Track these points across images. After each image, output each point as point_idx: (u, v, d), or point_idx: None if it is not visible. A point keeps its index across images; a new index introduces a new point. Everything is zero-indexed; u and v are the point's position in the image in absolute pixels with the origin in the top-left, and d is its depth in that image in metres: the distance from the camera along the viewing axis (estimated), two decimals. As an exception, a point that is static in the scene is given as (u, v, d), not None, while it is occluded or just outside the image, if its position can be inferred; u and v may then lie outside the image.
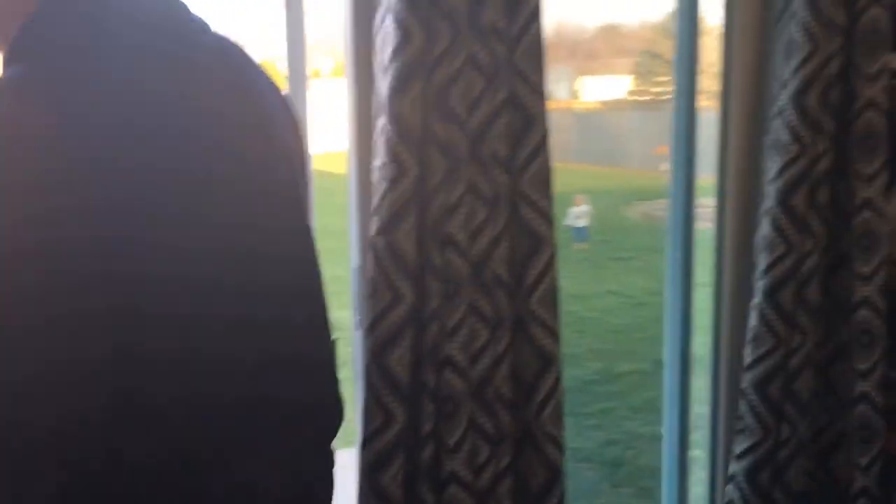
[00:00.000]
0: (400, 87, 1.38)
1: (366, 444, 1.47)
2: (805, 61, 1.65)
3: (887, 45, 1.67)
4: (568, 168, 11.28)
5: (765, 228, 1.71)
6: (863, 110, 1.67)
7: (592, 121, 17.26)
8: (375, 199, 1.44)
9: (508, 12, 1.43)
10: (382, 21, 1.42)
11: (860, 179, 1.69)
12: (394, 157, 1.39)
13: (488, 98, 1.44)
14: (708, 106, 1.90)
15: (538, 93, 1.46)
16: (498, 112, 1.44)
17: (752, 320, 1.74)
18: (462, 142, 1.42)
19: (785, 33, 1.69)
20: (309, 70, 1.60)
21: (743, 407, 1.77)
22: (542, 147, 1.48)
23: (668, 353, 2.00)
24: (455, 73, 1.40)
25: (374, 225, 1.44)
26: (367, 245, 1.48)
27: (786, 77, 1.68)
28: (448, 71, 1.39)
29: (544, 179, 1.49)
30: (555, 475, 1.56)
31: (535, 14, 1.44)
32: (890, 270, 1.74)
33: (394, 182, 1.40)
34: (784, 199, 1.68)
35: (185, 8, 0.92)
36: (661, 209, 9.63)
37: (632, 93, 17.45)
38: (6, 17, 0.85)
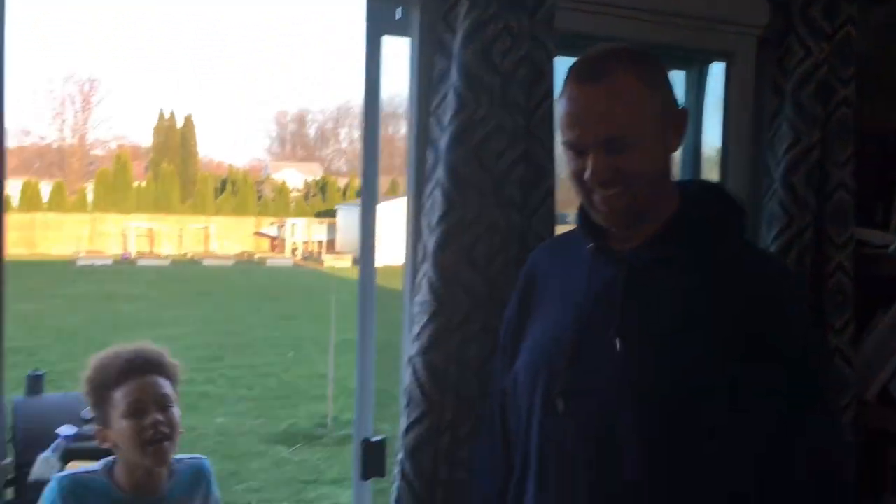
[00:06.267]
0: (443, 245, 1.62)
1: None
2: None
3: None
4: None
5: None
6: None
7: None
8: (417, 328, 1.64)
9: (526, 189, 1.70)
10: (431, 191, 1.66)
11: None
12: (434, 296, 1.62)
13: (503, 256, 1.67)
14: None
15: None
16: (508, 264, 1.68)
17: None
18: (482, 287, 1.65)
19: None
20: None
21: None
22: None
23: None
24: (478, 236, 1.65)
25: (413, 348, 1.65)
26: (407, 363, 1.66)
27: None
28: (476, 232, 1.64)
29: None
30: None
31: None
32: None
33: (433, 316, 1.62)
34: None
35: None
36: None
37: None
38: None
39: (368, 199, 1.81)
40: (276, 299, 17.10)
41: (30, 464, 3.59)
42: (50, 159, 38.45)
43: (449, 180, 1.61)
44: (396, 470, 1.66)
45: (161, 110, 41.19)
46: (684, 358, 1.21)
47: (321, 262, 26.00)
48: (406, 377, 1.67)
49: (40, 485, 3.52)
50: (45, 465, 3.52)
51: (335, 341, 8.56)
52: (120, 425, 1.66)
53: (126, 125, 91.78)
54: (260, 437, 7.46)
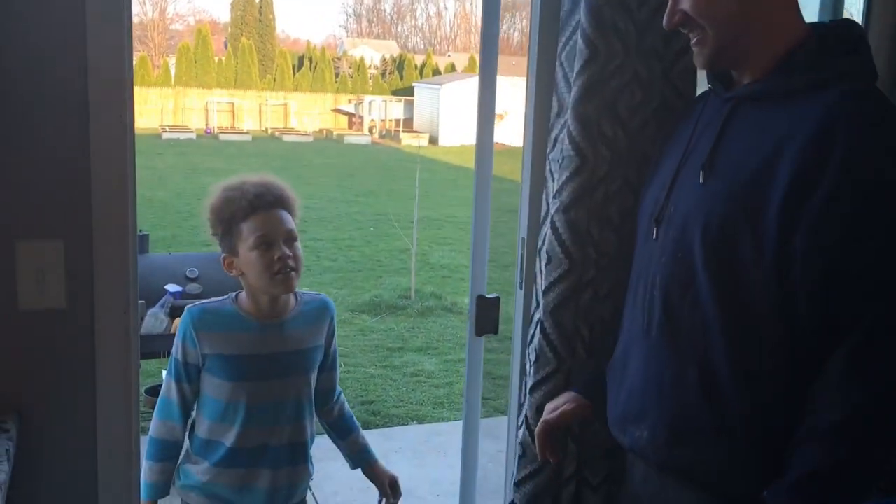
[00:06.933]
0: (584, 96, 1.53)
1: (539, 384, 1.63)
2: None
3: None
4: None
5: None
6: None
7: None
8: (556, 184, 1.59)
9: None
10: (569, 38, 1.57)
11: None
12: (576, 150, 1.55)
13: (643, 110, 1.59)
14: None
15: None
16: (648, 119, 1.59)
17: None
18: (624, 141, 1.57)
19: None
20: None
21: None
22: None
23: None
24: (620, 88, 1.55)
25: (554, 205, 1.59)
26: (543, 221, 1.64)
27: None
28: (618, 83, 1.55)
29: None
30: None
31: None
32: None
33: (576, 171, 1.56)
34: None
35: None
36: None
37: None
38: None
39: (488, 71, 1.74)
40: (354, 175, 17.27)
41: (140, 319, 3.78)
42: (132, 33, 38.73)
43: (591, 24, 1.51)
44: (535, 329, 1.64)
45: (238, -17, 40.62)
46: (744, 206, 1.19)
47: (399, 141, 25.99)
48: (545, 236, 1.64)
49: (150, 338, 3.71)
50: (154, 319, 3.70)
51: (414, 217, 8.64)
52: (248, 257, 1.70)
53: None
54: (345, 306, 7.69)
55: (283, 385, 1.75)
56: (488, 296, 1.80)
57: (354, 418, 1.96)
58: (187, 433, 1.80)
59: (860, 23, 2.01)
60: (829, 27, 1.29)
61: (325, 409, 1.89)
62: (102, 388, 1.48)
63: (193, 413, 1.80)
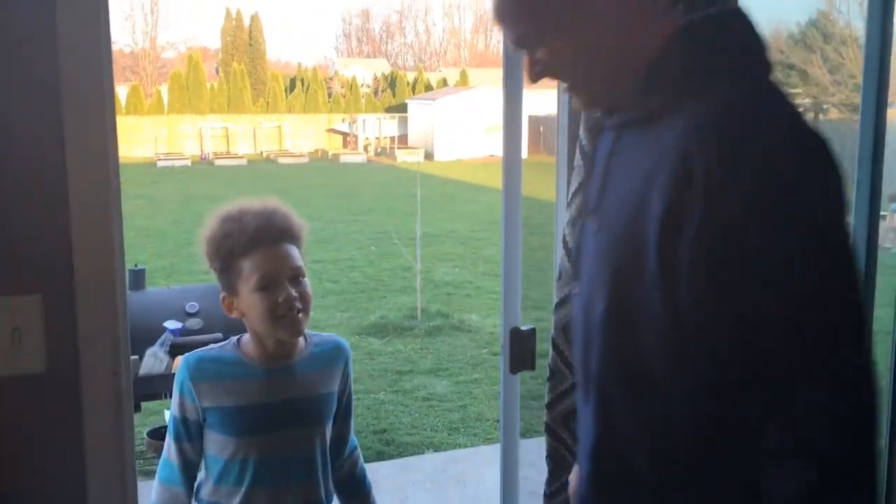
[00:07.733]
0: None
1: (557, 400, 1.49)
2: None
3: None
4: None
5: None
6: None
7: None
8: (568, 195, 1.46)
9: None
10: None
11: None
12: (585, 159, 1.40)
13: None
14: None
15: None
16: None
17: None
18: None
19: None
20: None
21: None
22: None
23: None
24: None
25: (565, 217, 1.46)
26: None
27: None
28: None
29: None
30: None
31: None
32: None
33: (584, 182, 1.40)
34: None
35: None
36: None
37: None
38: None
39: (512, 85, 1.58)
40: (352, 195, 17.13)
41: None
42: (123, 63, 38.84)
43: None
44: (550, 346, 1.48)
45: (228, 10, 40.72)
46: (630, 256, 1.00)
47: (394, 158, 25.88)
48: (557, 251, 1.49)
49: (150, 379, 3.54)
50: (153, 359, 3.51)
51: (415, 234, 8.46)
52: (250, 299, 1.52)
53: (194, 27, 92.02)
54: (350, 329, 7.50)
55: (294, 437, 1.57)
56: (523, 328, 1.62)
57: (368, 479, 1.75)
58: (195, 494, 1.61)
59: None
60: (699, 24, 1.04)
61: (335, 464, 1.67)
62: (93, 464, 1.28)
63: (201, 474, 1.61)
